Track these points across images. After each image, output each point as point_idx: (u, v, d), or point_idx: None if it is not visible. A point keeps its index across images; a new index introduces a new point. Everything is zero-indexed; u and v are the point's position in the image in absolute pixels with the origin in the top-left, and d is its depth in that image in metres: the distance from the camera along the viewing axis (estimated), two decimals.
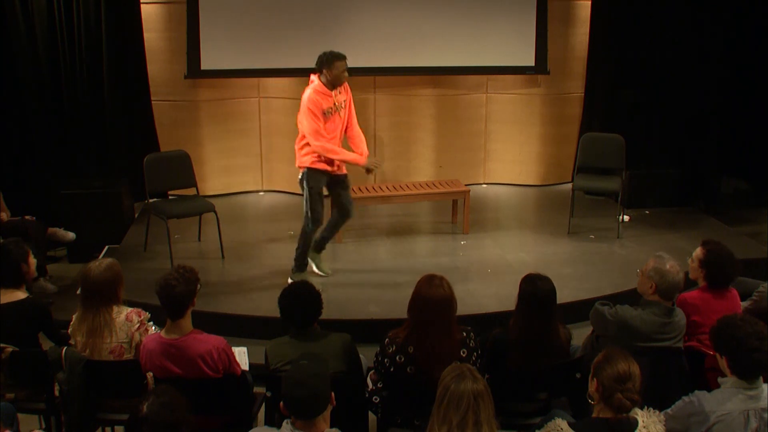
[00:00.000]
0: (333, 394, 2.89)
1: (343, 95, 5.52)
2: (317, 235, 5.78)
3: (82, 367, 3.71)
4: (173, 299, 3.53)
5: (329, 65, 5.33)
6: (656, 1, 7.51)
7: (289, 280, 5.50)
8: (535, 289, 3.70)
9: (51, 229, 6.40)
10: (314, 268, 5.87)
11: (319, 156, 5.43)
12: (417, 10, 7.50)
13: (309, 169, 5.46)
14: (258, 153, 7.93)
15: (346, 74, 5.41)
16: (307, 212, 5.56)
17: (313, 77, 5.44)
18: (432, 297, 3.49)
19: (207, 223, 6.59)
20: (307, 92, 5.38)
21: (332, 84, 5.38)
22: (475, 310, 5.18)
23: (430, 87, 7.90)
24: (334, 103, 5.41)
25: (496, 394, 2.86)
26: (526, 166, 8.25)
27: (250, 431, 3.31)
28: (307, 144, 5.42)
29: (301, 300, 3.67)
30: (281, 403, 2.85)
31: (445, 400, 2.75)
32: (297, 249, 5.74)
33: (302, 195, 5.61)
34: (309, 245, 5.74)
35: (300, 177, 5.55)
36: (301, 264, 5.77)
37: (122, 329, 3.84)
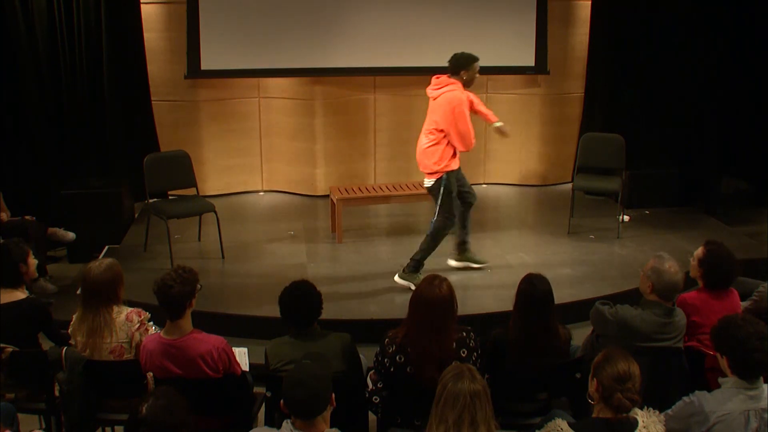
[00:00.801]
0: (333, 394, 2.89)
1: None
2: (457, 240, 5.81)
3: (82, 367, 3.71)
4: (170, 299, 3.53)
5: (468, 66, 5.39)
6: (656, 2, 7.51)
7: (399, 281, 5.58)
8: (532, 290, 3.70)
9: (51, 229, 6.40)
10: (474, 265, 5.90)
11: (454, 154, 5.43)
12: (417, 10, 7.50)
13: (450, 172, 5.44)
14: (258, 153, 7.93)
15: (477, 76, 5.48)
16: (443, 214, 5.49)
17: (447, 78, 5.44)
18: (429, 297, 3.49)
19: (207, 223, 6.59)
20: (454, 93, 5.36)
21: (468, 84, 5.44)
22: (475, 310, 5.18)
23: None
24: None
25: (496, 394, 2.87)
26: (526, 166, 8.25)
27: (250, 431, 3.32)
28: (443, 146, 5.37)
29: (301, 299, 3.67)
30: (282, 401, 2.86)
31: (442, 398, 2.77)
32: (421, 251, 5.58)
33: (433, 197, 5.55)
34: (435, 249, 5.60)
35: (435, 182, 5.46)
36: (418, 266, 5.60)
37: (122, 329, 3.84)
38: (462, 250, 5.92)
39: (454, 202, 5.56)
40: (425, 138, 5.48)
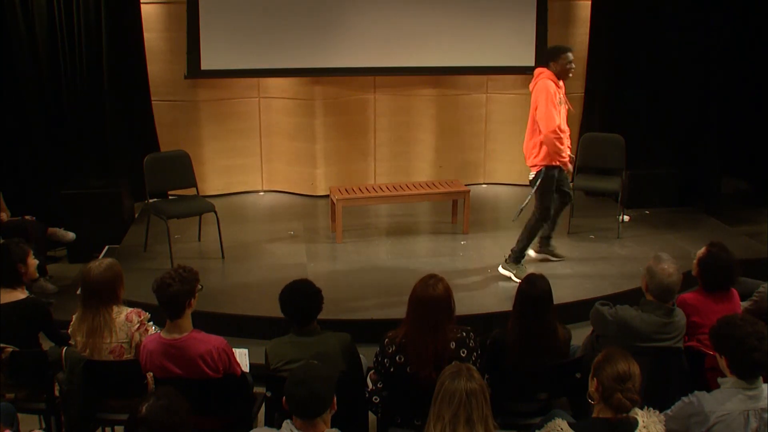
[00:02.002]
0: (335, 397, 2.89)
1: (563, 90, 5.63)
2: (542, 234, 5.95)
3: (82, 367, 3.71)
4: (169, 298, 3.53)
5: (556, 58, 5.48)
6: (656, 1, 7.50)
7: (502, 271, 5.81)
8: (532, 289, 3.70)
9: (51, 229, 6.40)
10: (553, 258, 6.07)
11: (552, 151, 5.50)
12: (417, 10, 7.50)
13: (547, 167, 5.53)
14: (258, 153, 7.93)
15: (572, 65, 5.52)
16: (539, 207, 5.67)
17: (541, 70, 5.55)
18: (424, 297, 3.50)
19: (207, 223, 6.59)
20: (541, 82, 5.48)
21: (560, 76, 5.51)
22: (475, 310, 5.18)
23: (430, 87, 7.90)
24: (561, 95, 5.57)
25: (496, 394, 2.87)
26: (526, 166, 8.22)
27: (250, 431, 3.32)
28: (541, 141, 5.49)
29: (301, 296, 3.68)
30: (284, 398, 2.86)
31: (439, 396, 2.80)
32: (519, 242, 5.79)
33: (531, 189, 5.69)
34: (533, 240, 5.83)
35: (534, 175, 5.61)
36: (519, 256, 5.82)
37: (122, 329, 3.84)
38: (544, 244, 6.09)
39: (552, 200, 5.69)
40: (529, 132, 5.61)
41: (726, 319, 3.16)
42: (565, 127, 5.58)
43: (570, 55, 5.50)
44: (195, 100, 7.62)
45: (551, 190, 5.64)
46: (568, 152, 5.60)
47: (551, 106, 5.40)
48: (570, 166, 5.71)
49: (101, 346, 3.81)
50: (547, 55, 5.59)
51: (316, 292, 3.71)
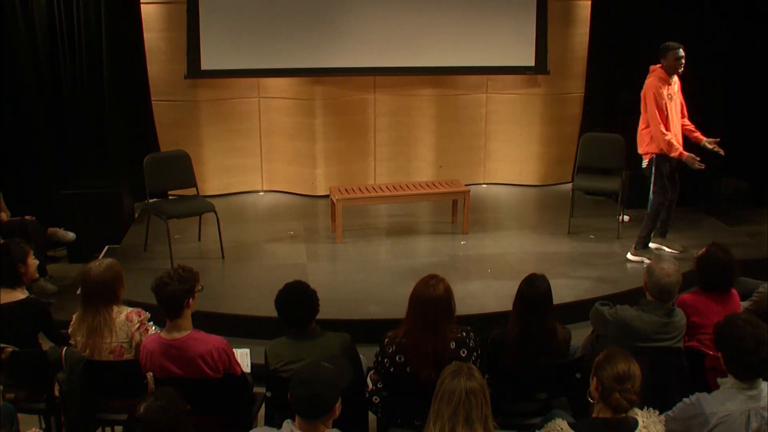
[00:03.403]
0: (339, 403, 2.88)
1: (677, 84, 5.95)
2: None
3: (82, 367, 3.72)
4: (167, 297, 3.54)
5: (664, 54, 5.81)
6: (656, 2, 7.50)
7: (631, 257, 6.15)
8: (531, 290, 3.70)
9: (51, 229, 6.40)
10: (667, 250, 6.24)
11: (663, 148, 5.85)
12: (417, 10, 7.50)
13: (657, 155, 5.91)
14: (258, 153, 7.93)
15: (682, 60, 5.80)
16: (655, 193, 6.01)
17: (654, 67, 5.89)
18: (425, 297, 3.50)
19: (207, 223, 6.59)
20: (649, 80, 5.86)
21: (670, 71, 5.83)
22: (475, 310, 5.18)
23: (430, 87, 7.90)
24: (672, 90, 5.88)
25: (496, 394, 2.87)
26: (526, 166, 8.25)
27: (250, 431, 3.32)
28: (651, 134, 5.87)
29: (296, 300, 3.67)
30: (289, 395, 2.86)
31: (439, 394, 2.80)
32: (644, 227, 6.15)
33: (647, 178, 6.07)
34: (656, 223, 6.15)
35: (648, 162, 5.98)
36: (646, 241, 6.18)
37: (122, 329, 3.84)
38: (659, 234, 6.30)
39: (667, 185, 5.99)
40: (642, 122, 6.01)
41: (731, 317, 3.16)
42: (677, 120, 5.92)
43: (679, 51, 5.76)
44: (195, 100, 7.62)
45: (666, 176, 5.96)
46: (678, 145, 5.86)
47: (655, 107, 5.78)
48: (686, 156, 5.85)
49: (101, 346, 3.81)
50: (658, 52, 5.85)
51: (311, 295, 3.70)
